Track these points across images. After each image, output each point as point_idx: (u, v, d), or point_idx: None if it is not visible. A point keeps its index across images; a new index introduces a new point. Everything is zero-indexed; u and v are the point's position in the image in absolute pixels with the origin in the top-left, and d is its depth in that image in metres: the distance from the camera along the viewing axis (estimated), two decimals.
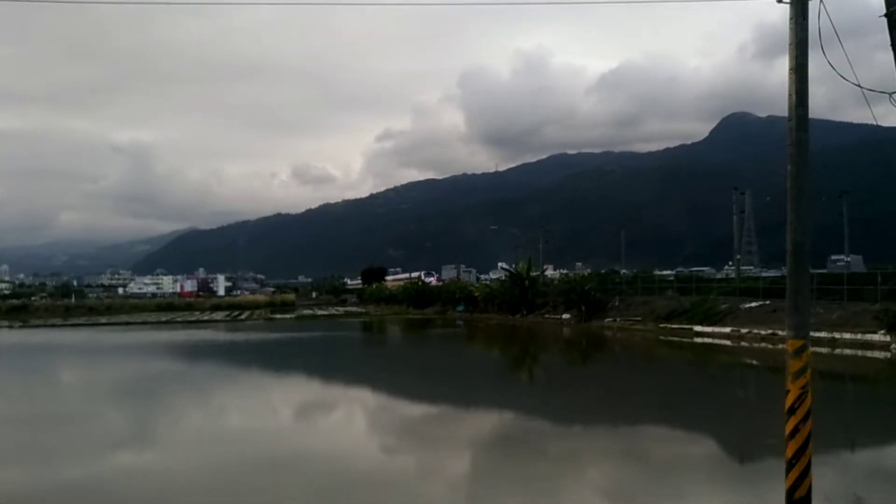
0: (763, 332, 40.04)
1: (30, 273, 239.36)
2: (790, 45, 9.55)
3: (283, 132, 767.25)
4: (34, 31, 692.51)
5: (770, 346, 36.67)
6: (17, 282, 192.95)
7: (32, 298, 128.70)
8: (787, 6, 9.53)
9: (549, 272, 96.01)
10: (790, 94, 9.58)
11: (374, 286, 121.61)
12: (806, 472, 9.20)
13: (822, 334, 35.64)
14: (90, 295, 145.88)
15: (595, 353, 41.91)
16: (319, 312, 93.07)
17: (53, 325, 73.50)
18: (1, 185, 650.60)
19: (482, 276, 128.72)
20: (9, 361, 42.16)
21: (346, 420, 21.93)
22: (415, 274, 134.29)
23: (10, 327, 73.07)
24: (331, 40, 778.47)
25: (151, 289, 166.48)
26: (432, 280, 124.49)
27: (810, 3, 9.51)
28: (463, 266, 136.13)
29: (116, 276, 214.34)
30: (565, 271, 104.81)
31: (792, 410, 9.29)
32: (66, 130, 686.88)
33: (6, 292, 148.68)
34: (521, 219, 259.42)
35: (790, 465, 9.26)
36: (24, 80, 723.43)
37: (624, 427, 19.10)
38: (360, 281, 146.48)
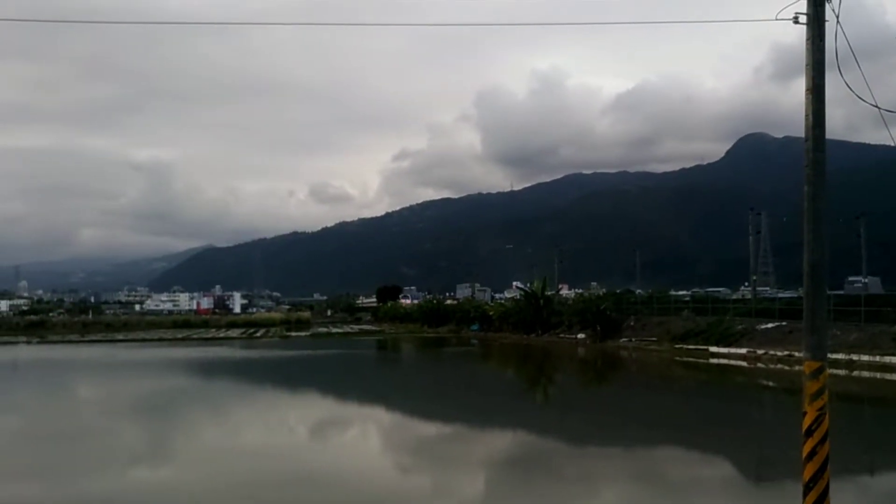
0: (779, 354, 39.71)
1: (48, 289, 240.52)
2: (807, 66, 9.57)
3: (302, 151, 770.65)
4: (56, 50, 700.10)
5: (786, 367, 36.36)
6: (35, 298, 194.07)
7: (50, 314, 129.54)
8: (804, 27, 9.56)
9: (564, 291, 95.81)
10: (807, 115, 9.58)
11: (388, 304, 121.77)
12: (824, 496, 9.12)
13: (840, 356, 35.31)
14: (107, 311, 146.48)
15: (611, 374, 41.70)
16: (335, 330, 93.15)
17: (71, 341, 73.95)
18: (22, 202, 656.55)
19: (497, 296, 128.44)
20: (28, 377, 42.48)
21: (362, 438, 21.93)
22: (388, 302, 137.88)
23: (29, 343, 73.64)
24: (348, 60, 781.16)
25: (168, 306, 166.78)
26: (407, 301, 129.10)
27: (827, 24, 9.53)
28: (478, 285, 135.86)
29: (133, 293, 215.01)
30: (580, 291, 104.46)
31: (809, 432, 9.22)
32: (86, 148, 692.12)
33: (25, 308, 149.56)
34: (536, 238, 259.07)
35: (808, 488, 9.18)
36: (46, 98, 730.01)
37: (640, 448, 18.99)
38: (374, 299, 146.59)
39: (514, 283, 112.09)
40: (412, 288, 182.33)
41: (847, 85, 9.74)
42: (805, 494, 9.20)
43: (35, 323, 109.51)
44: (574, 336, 59.39)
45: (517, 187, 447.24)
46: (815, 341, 9.46)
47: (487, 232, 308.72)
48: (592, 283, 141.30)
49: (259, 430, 22.90)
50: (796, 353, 34.97)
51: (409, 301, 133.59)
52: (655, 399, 29.56)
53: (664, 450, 18.80)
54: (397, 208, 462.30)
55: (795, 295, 62.77)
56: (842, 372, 32.96)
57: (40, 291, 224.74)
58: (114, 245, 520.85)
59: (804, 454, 9.23)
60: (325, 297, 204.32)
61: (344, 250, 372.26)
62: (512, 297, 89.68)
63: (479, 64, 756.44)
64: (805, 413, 9.29)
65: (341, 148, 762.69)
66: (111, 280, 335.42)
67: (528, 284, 73.10)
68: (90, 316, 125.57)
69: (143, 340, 73.08)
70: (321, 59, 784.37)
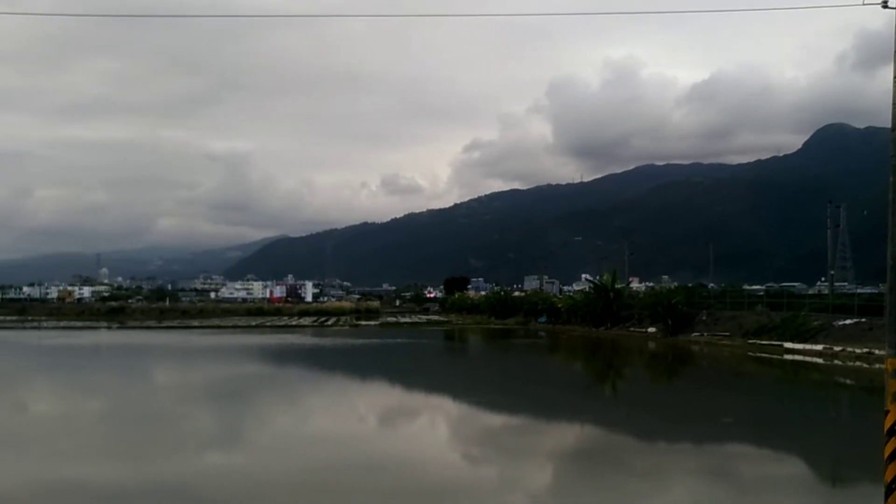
0: (858, 351, 38.47)
1: (127, 276, 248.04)
2: (895, 53, 9.25)
3: (374, 143, 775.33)
4: (138, 46, 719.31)
5: (865, 365, 35.20)
6: (115, 284, 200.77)
7: (129, 301, 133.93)
8: (894, 12, 9.23)
9: (635, 285, 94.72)
10: (894, 104, 9.27)
11: (456, 295, 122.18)
12: None
13: None
14: (184, 299, 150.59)
15: (682, 369, 41.07)
16: (403, 320, 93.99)
17: (149, 327, 76.38)
18: (104, 192, 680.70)
19: (565, 288, 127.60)
20: (109, 362, 44.05)
21: (430, 427, 22.10)
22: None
23: (109, 328, 76.35)
24: (421, 52, 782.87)
25: (242, 294, 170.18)
26: (475, 293, 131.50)
27: None
28: (546, 277, 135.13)
29: (209, 281, 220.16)
30: (651, 284, 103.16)
31: (892, 432, 8.95)
32: (165, 140, 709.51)
33: (106, 294, 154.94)
34: (606, 230, 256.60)
35: (890, 490, 8.92)
36: (128, 92, 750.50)
37: (711, 445, 18.69)
38: (442, 289, 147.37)
39: (583, 276, 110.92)
40: (479, 279, 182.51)
41: None
42: (887, 496, 8.94)
43: (115, 309, 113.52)
44: (644, 330, 58.65)
45: (587, 178, 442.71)
46: None
47: (556, 224, 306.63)
48: (663, 277, 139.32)
49: (330, 416, 23.31)
50: (876, 351, 33.86)
51: (476, 292, 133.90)
52: (727, 395, 29.00)
53: (736, 447, 18.44)
54: (466, 199, 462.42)
55: (876, 291, 60.76)
56: None
57: (120, 278, 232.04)
58: (191, 234, 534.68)
59: (886, 454, 8.96)
60: (393, 287, 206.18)
61: (413, 241, 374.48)
62: (581, 290, 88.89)
63: (552, 54, 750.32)
64: (888, 412, 9.02)
65: (413, 139, 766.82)
66: (187, 268, 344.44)
67: (598, 277, 72.43)
68: (167, 303, 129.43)
69: (218, 327, 74.96)
70: (395, 51, 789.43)
